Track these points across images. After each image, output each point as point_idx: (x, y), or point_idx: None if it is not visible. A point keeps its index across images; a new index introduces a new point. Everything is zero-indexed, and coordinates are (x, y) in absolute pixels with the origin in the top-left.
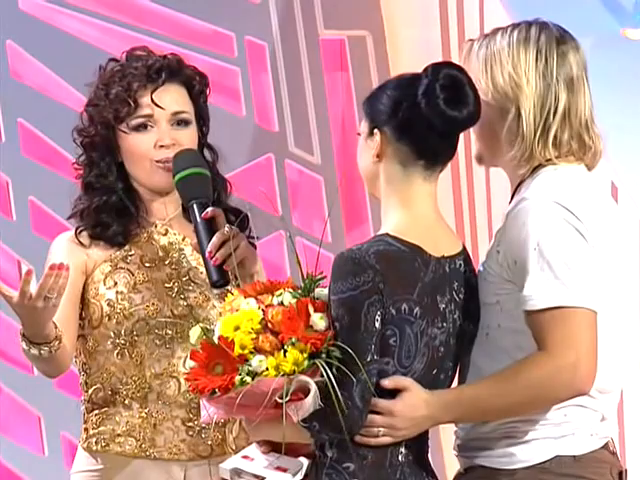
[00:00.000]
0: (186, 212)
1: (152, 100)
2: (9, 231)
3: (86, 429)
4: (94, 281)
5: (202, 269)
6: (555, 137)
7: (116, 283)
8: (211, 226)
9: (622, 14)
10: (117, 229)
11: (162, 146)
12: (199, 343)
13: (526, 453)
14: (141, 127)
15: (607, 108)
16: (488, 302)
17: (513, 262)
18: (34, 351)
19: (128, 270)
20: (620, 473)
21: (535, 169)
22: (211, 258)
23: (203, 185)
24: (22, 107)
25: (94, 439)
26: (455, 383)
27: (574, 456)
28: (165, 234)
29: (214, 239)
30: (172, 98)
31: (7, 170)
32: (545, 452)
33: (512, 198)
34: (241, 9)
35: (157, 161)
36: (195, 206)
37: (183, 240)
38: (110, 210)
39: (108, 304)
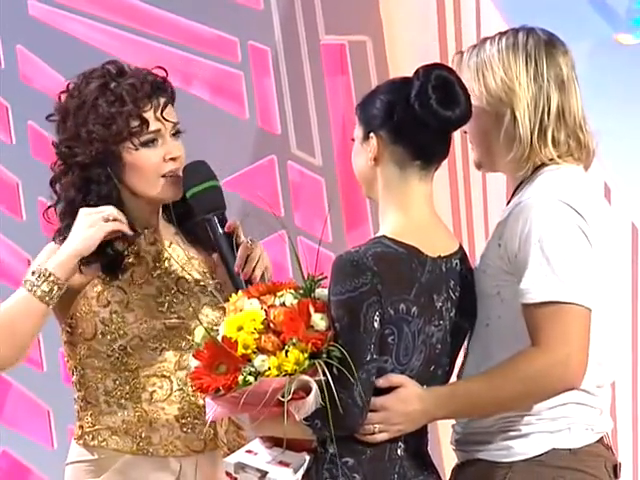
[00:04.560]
0: (166, 214)
1: (162, 116)
2: (19, 231)
3: (81, 426)
4: (87, 297)
5: (188, 277)
6: (553, 137)
7: (109, 302)
8: (232, 238)
9: (615, 20)
10: (117, 262)
11: (171, 159)
12: (203, 343)
13: (523, 446)
14: (150, 142)
15: (600, 113)
16: (488, 293)
17: (514, 256)
18: (45, 288)
19: (120, 288)
20: (615, 467)
21: (537, 169)
22: (240, 272)
23: (218, 197)
24: (32, 110)
25: (90, 435)
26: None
27: (570, 449)
28: (153, 243)
29: (240, 252)
30: (170, 111)
31: (17, 171)
32: (542, 445)
33: (512, 196)
34: (245, 15)
35: (164, 174)
36: (214, 219)
37: (170, 246)
38: (111, 239)
39: (102, 322)
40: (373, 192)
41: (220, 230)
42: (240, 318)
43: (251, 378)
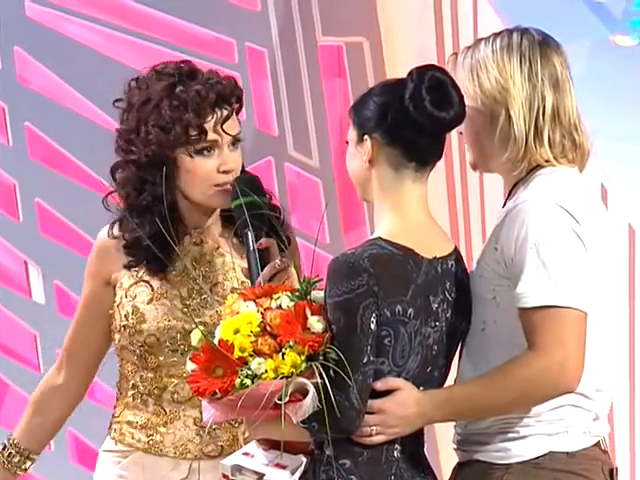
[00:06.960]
0: (225, 220)
1: (222, 128)
2: (16, 232)
3: (113, 415)
4: (122, 287)
5: (226, 284)
6: (549, 137)
7: (135, 296)
8: (263, 255)
9: (612, 21)
10: (163, 264)
11: (225, 171)
12: (200, 346)
13: (521, 448)
14: (205, 150)
15: (598, 114)
16: (484, 298)
17: (510, 260)
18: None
19: (149, 284)
20: (611, 471)
21: (532, 170)
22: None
23: (260, 214)
24: (29, 111)
25: (114, 427)
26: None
27: (567, 452)
28: (199, 244)
29: (265, 271)
30: (233, 122)
31: (14, 173)
32: (539, 448)
33: (508, 198)
34: (242, 16)
35: (216, 184)
36: (250, 234)
37: (216, 250)
38: (161, 241)
39: (125, 316)
40: (368, 194)
41: (252, 246)
42: (236, 321)
43: (248, 381)
